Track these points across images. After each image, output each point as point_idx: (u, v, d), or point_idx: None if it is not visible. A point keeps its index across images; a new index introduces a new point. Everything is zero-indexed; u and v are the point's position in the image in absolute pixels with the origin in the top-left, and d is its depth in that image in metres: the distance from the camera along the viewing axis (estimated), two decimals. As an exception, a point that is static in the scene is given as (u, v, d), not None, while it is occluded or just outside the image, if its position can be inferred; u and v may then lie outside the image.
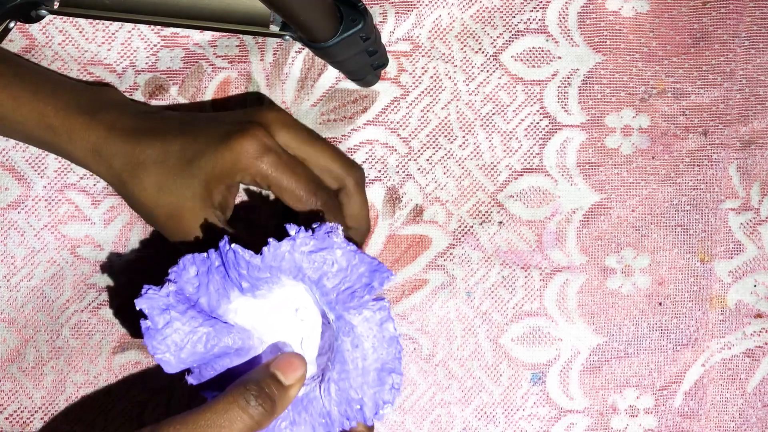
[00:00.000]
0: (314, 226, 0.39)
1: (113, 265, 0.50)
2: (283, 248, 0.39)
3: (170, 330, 0.39)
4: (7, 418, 0.49)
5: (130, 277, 0.50)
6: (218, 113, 0.48)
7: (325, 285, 0.39)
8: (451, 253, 0.52)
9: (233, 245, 0.39)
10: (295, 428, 0.40)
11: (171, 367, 0.40)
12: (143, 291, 0.40)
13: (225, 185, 0.43)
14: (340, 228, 0.40)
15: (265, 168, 0.42)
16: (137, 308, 0.40)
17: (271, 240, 0.39)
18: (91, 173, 0.49)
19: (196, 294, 0.40)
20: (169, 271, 0.40)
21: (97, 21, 0.51)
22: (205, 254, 0.40)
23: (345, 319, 0.40)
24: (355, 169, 0.46)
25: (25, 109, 0.45)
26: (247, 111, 0.46)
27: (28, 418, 0.49)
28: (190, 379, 0.41)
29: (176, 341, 0.40)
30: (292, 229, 0.39)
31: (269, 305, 0.42)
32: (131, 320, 0.50)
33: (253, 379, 0.38)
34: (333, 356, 0.41)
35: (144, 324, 0.40)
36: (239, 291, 0.41)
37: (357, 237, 0.47)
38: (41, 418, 0.49)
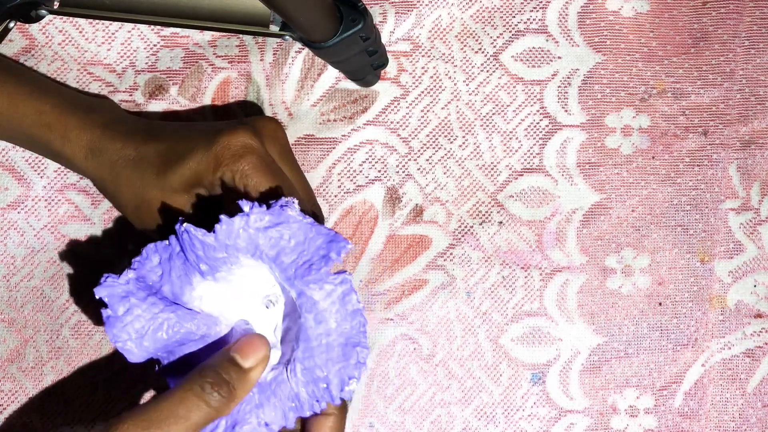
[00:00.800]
0: (270, 202, 0.39)
1: (113, 265, 0.50)
2: (236, 225, 0.38)
3: (130, 317, 0.39)
4: (7, 418, 0.49)
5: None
6: (214, 123, 0.48)
7: (283, 261, 0.38)
8: (451, 253, 0.52)
9: (185, 225, 0.38)
10: (261, 412, 0.39)
11: (133, 355, 0.39)
12: (102, 279, 0.39)
13: (208, 182, 0.42)
14: (296, 201, 0.39)
15: (246, 166, 0.41)
16: (96, 296, 0.39)
17: (222, 216, 0.38)
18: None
19: (160, 282, 0.40)
20: (132, 260, 0.39)
21: (97, 21, 0.51)
22: (167, 241, 0.39)
23: (306, 295, 0.38)
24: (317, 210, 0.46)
25: (23, 106, 0.45)
26: (246, 119, 0.46)
27: (28, 418, 0.49)
28: (158, 369, 0.41)
29: (137, 329, 0.39)
30: (245, 205, 0.38)
31: (234, 290, 0.41)
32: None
33: (210, 365, 0.37)
34: (297, 335, 0.40)
35: (104, 313, 0.39)
36: (200, 275, 0.40)
37: None
38: (41, 418, 0.49)
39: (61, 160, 0.46)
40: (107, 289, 0.39)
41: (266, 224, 0.38)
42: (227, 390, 0.36)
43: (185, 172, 0.42)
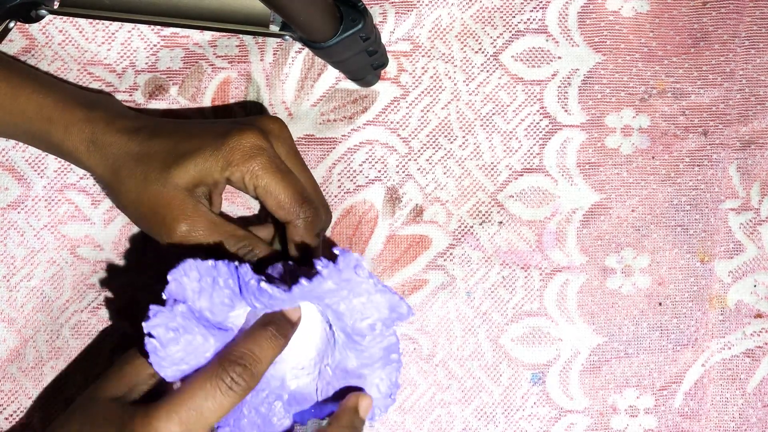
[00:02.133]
0: (336, 251, 0.39)
1: (113, 265, 0.50)
2: (314, 287, 0.39)
3: (176, 348, 0.39)
4: (7, 418, 0.49)
5: (130, 277, 0.50)
6: (216, 120, 0.48)
7: (343, 314, 0.40)
8: (451, 253, 0.52)
9: (263, 284, 0.39)
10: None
11: (174, 378, 0.40)
12: (152, 313, 0.39)
13: (213, 180, 0.43)
14: (363, 260, 0.41)
15: (256, 167, 0.43)
16: (146, 332, 0.39)
17: (302, 280, 0.38)
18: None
19: (197, 300, 0.40)
20: (169, 275, 0.40)
21: (97, 21, 0.51)
22: (210, 263, 0.39)
23: (354, 341, 0.41)
24: (321, 209, 0.45)
25: (24, 99, 0.45)
26: (249, 117, 0.46)
27: (28, 418, 0.49)
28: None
29: (180, 357, 0.39)
30: (323, 268, 0.39)
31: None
32: (131, 320, 0.50)
33: (229, 355, 0.39)
34: (334, 365, 0.42)
35: (150, 344, 0.39)
36: (249, 306, 0.41)
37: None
38: (41, 418, 0.49)
39: (61, 153, 0.46)
40: (158, 321, 0.39)
41: (336, 286, 0.39)
42: (248, 376, 0.39)
43: (190, 170, 0.42)
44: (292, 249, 0.44)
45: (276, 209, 0.43)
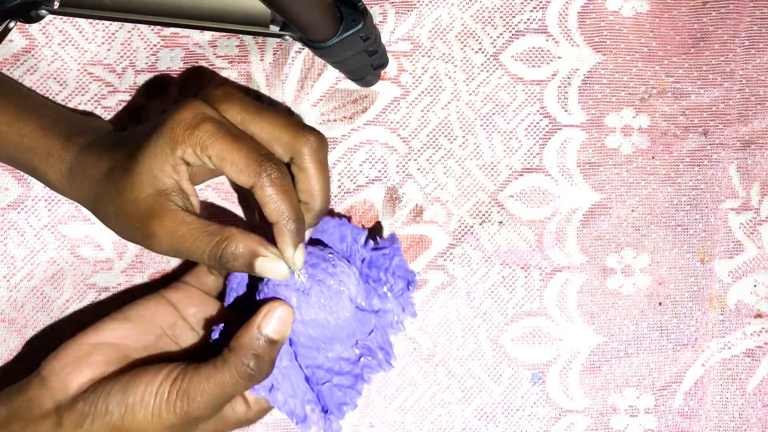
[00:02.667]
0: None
1: (113, 265, 0.50)
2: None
3: None
4: (7, 418, 0.49)
5: (130, 277, 0.50)
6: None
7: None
8: (451, 253, 0.52)
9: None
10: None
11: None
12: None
13: (170, 171, 0.40)
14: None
15: (202, 136, 0.39)
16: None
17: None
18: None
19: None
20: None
21: (97, 21, 0.51)
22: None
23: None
24: (308, 136, 0.41)
25: (6, 129, 0.44)
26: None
27: (28, 418, 0.49)
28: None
29: None
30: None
31: None
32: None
33: (242, 342, 0.40)
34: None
35: None
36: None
37: (309, 214, 0.42)
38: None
39: (48, 184, 0.45)
40: None
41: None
42: (260, 363, 0.39)
43: (143, 170, 0.39)
44: (285, 248, 0.40)
45: (236, 176, 0.39)
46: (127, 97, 0.51)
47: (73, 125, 0.45)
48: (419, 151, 0.52)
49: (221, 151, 0.39)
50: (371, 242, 0.46)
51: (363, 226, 0.51)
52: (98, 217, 0.43)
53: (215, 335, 0.42)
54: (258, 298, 0.42)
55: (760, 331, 0.52)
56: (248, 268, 0.39)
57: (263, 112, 0.41)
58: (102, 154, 0.42)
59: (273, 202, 0.39)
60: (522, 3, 0.53)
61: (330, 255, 0.43)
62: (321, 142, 0.41)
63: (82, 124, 0.46)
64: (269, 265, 0.39)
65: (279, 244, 0.40)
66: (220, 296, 0.46)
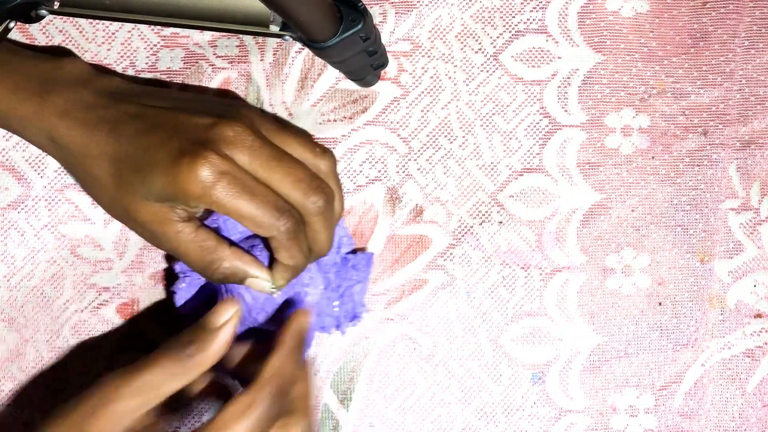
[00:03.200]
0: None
1: (113, 265, 0.50)
2: None
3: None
4: (7, 418, 0.49)
5: (130, 277, 0.50)
6: (189, 96, 0.48)
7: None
8: (451, 253, 0.52)
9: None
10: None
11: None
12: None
13: (181, 205, 0.41)
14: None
15: (219, 196, 0.39)
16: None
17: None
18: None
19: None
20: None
21: (97, 21, 0.51)
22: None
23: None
24: (317, 197, 0.42)
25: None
26: (222, 103, 0.45)
27: (29, 418, 0.49)
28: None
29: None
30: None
31: None
32: (131, 320, 0.50)
33: (184, 333, 0.41)
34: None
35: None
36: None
37: (311, 256, 0.44)
38: (42, 418, 0.49)
39: (36, 146, 0.45)
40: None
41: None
42: (198, 348, 0.40)
43: (154, 192, 0.40)
44: (277, 278, 0.43)
45: (254, 229, 0.41)
46: (127, 97, 0.51)
47: (45, 80, 0.43)
48: (419, 151, 0.52)
49: (239, 210, 0.40)
50: (350, 256, 0.49)
51: (361, 231, 0.51)
52: (83, 188, 0.45)
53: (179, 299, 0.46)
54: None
55: (760, 331, 0.52)
56: (237, 282, 0.43)
57: (273, 164, 0.41)
58: (90, 136, 0.42)
59: (285, 250, 0.42)
60: (522, 3, 0.53)
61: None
62: (328, 204, 0.43)
63: (57, 75, 0.44)
64: (256, 283, 0.43)
65: (275, 271, 0.43)
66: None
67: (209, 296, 0.47)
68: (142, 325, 0.50)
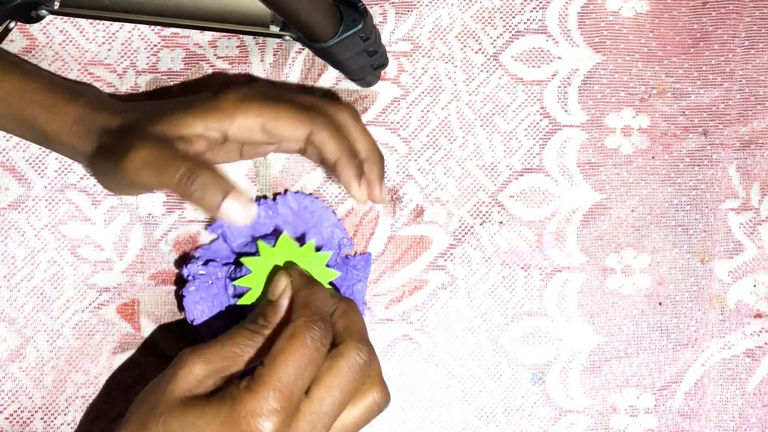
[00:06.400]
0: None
1: (113, 265, 0.50)
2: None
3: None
4: (7, 418, 0.49)
5: (131, 277, 0.50)
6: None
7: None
8: (451, 254, 0.52)
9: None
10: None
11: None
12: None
13: (210, 138, 0.42)
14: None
15: (253, 105, 0.42)
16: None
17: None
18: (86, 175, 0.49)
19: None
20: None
21: (97, 21, 0.51)
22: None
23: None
24: (341, 107, 0.45)
25: (8, 84, 0.45)
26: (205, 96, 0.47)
27: (28, 418, 0.49)
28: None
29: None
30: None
31: None
32: (131, 320, 0.50)
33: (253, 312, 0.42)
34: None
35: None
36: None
37: (372, 168, 0.45)
38: (41, 418, 0.49)
39: (44, 137, 0.46)
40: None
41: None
42: (266, 318, 0.41)
43: (177, 120, 0.42)
44: (331, 154, 0.43)
45: (292, 129, 0.43)
46: (128, 98, 0.51)
47: (75, 87, 0.47)
48: (419, 151, 0.52)
49: (274, 113, 0.42)
50: (349, 257, 0.50)
51: (360, 230, 0.51)
52: (92, 171, 0.45)
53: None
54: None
55: (760, 331, 0.52)
56: (211, 205, 0.39)
57: (279, 114, 0.43)
58: (117, 115, 0.44)
59: (332, 140, 0.43)
60: (522, 3, 0.53)
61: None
62: (355, 113, 0.45)
63: (83, 88, 0.48)
64: (233, 207, 0.39)
65: (344, 180, 0.43)
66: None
67: (215, 296, 0.48)
68: (144, 327, 0.50)
